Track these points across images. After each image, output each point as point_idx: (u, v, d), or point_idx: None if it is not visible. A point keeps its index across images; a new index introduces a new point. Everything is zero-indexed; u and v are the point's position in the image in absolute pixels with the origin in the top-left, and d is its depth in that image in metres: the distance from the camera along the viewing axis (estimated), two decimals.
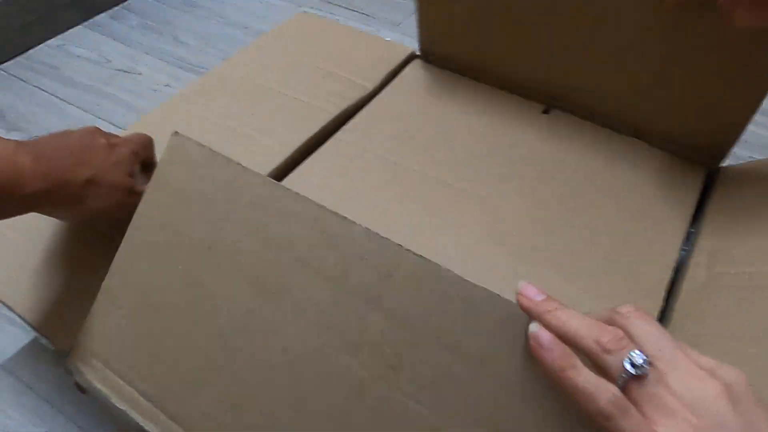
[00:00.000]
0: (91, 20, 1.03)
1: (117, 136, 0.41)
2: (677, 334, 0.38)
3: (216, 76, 0.60)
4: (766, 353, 0.33)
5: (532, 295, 0.27)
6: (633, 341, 0.24)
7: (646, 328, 0.24)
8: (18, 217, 0.35)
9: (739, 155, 0.60)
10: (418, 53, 0.63)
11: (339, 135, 0.54)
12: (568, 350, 0.24)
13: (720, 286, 0.39)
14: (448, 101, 0.57)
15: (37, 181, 0.34)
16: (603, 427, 0.22)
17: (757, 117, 0.46)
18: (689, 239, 0.47)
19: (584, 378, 0.23)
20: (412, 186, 0.49)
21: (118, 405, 0.35)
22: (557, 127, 0.55)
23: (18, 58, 0.94)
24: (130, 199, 0.38)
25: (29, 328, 0.42)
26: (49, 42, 0.98)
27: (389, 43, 0.65)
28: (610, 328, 0.24)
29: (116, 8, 1.06)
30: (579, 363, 0.24)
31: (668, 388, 0.22)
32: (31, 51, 0.96)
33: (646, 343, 0.23)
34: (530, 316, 0.27)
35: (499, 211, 0.47)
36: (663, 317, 0.41)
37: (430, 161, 0.51)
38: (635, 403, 0.22)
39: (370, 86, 0.58)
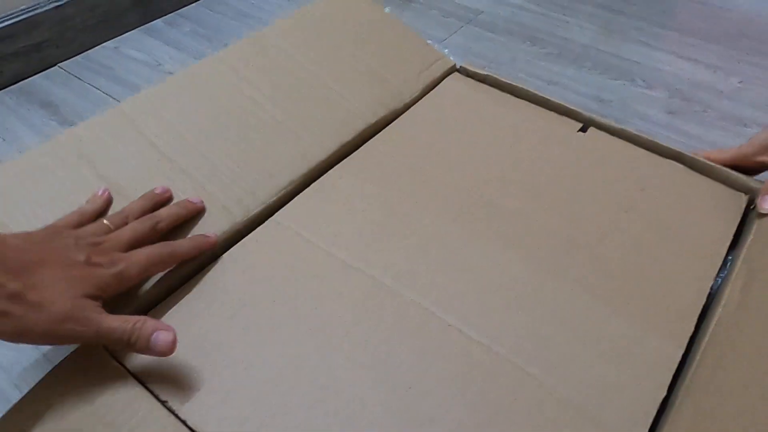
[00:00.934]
0: (147, 25, 1.07)
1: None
2: (705, 359, 0.37)
3: (254, 45, 0.58)
4: None
5: None
6: None
7: None
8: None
9: None
10: (458, 68, 0.64)
11: (373, 142, 0.54)
12: None
13: (752, 314, 0.38)
14: (485, 115, 0.58)
15: None
16: None
17: None
18: (726, 266, 0.45)
19: None
20: (444, 198, 0.49)
21: None
22: (594, 145, 0.54)
23: (77, 58, 0.99)
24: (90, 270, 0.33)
25: None
26: (106, 44, 1.03)
27: (435, 51, 0.65)
28: None
29: (172, 15, 1.10)
30: None
31: None
32: (89, 51, 1.01)
33: None
34: None
35: (529, 227, 0.46)
36: (693, 342, 0.40)
37: (463, 175, 0.51)
38: None
39: (408, 97, 0.59)
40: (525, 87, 0.59)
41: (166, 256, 0.39)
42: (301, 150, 0.50)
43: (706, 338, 0.38)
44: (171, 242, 0.40)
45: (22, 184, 0.43)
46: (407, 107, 0.58)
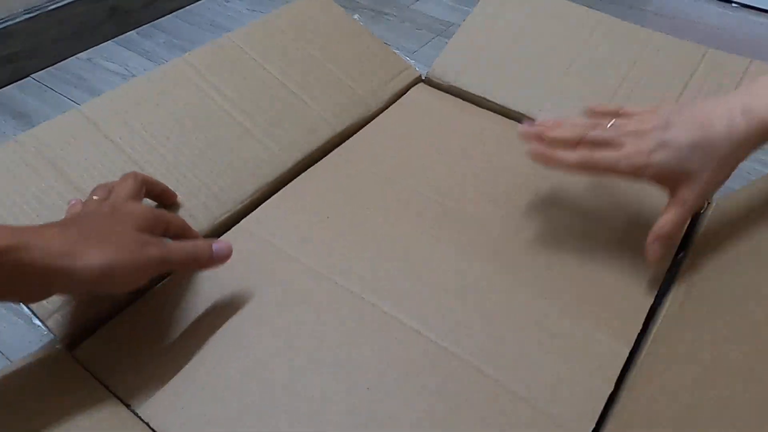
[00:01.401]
0: (121, 36, 1.08)
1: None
2: (648, 356, 0.39)
3: (218, 50, 0.58)
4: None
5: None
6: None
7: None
8: None
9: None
10: (424, 78, 0.66)
11: (339, 151, 0.56)
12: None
13: (691, 316, 0.40)
14: (448, 124, 0.59)
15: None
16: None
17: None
18: (677, 265, 0.47)
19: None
20: (406, 205, 0.50)
21: None
22: None
23: (50, 68, 0.99)
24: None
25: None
26: (79, 55, 1.03)
27: (402, 61, 0.67)
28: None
29: (147, 26, 1.11)
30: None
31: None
32: (63, 62, 1.01)
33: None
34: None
35: (488, 232, 0.48)
36: (641, 339, 0.41)
37: (425, 182, 0.52)
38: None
39: (374, 106, 0.60)
40: (486, 97, 0.61)
41: (197, 252, 0.39)
42: (267, 157, 0.52)
43: (651, 337, 0.40)
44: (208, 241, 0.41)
45: None
46: (373, 116, 0.60)
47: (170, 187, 0.46)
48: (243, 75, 0.56)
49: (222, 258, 0.39)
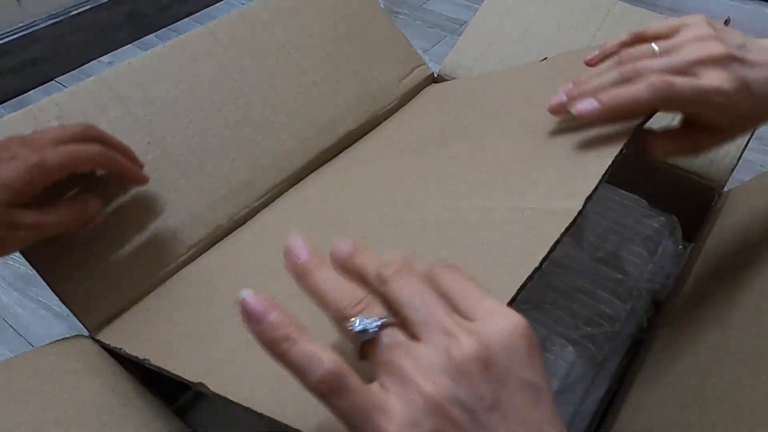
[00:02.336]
0: (140, 40, 1.10)
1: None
2: (658, 341, 0.39)
3: (241, 22, 0.55)
4: None
5: (297, 251, 0.23)
6: (390, 304, 0.21)
7: (401, 284, 0.21)
8: None
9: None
10: (436, 76, 0.67)
11: (353, 152, 0.57)
12: (284, 318, 0.20)
13: (700, 308, 0.40)
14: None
15: None
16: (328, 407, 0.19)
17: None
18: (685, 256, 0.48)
19: (297, 349, 0.19)
20: (412, 211, 0.51)
21: None
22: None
23: (73, 72, 1.02)
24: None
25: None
26: (101, 58, 1.06)
27: (418, 56, 0.67)
28: (355, 291, 0.21)
29: (164, 30, 1.14)
30: (296, 332, 0.20)
31: (408, 352, 0.20)
32: (84, 66, 1.04)
33: (400, 304, 0.21)
34: (295, 278, 0.23)
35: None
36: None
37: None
38: (376, 372, 0.20)
39: (387, 103, 0.61)
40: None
41: (96, 155, 0.38)
42: (284, 151, 0.53)
43: (659, 327, 0.40)
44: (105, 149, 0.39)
45: None
46: (385, 114, 0.61)
47: (187, 176, 0.47)
48: (266, 54, 0.55)
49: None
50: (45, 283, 0.40)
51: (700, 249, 0.48)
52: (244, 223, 0.49)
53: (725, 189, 0.52)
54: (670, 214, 0.52)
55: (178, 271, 0.45)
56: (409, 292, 0.21)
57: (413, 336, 0.20)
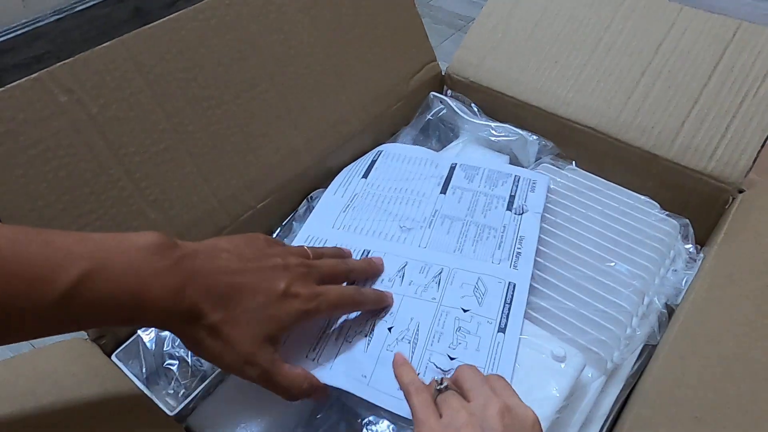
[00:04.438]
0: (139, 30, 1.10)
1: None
2: (674, 343, 0.38)
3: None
4: None
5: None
6: (459, 382, 0.34)
7: (469, 373, 0.35)
8: None
9: None
10: (444, 74, 0.66)
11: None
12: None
13: (715, 308, 0.39)
14: None
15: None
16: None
17: None
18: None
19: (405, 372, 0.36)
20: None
21: None
22: None
23: None
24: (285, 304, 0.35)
25: None
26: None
27: (430, 50, 0.66)
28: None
29: (164, 21, 1.13)
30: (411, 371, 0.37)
31: (460, 400, 0.33)
32: None
33: (464, 380, 0.34)
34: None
35: None
36: None
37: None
38: (437, 404, 0.33)
39: (394, 101, 0.61)
40: (506, 93, 0.61)
41: (353, 302, 0.40)
42: (294, 147, 0.52)
43: (674, 329, 0.39)
44: (361, 289, 0.41)
45: None
46: (390, 113, 0.60)
47: (203, 168, 0.46)
48: (285, 34, 0.52)
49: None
50: None
51: (714, 253, 0.47)
52: (245, 226, 0.48)
53: (740, 191, 0.51)
54: (683, 217, 0.51)
55: None
56: (471, 376, 0.34)
57: (466, 399, 0.33)
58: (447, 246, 0.46)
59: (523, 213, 0.49)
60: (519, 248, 0.46)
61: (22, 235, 0.28)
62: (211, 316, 0.32)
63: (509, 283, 0.43)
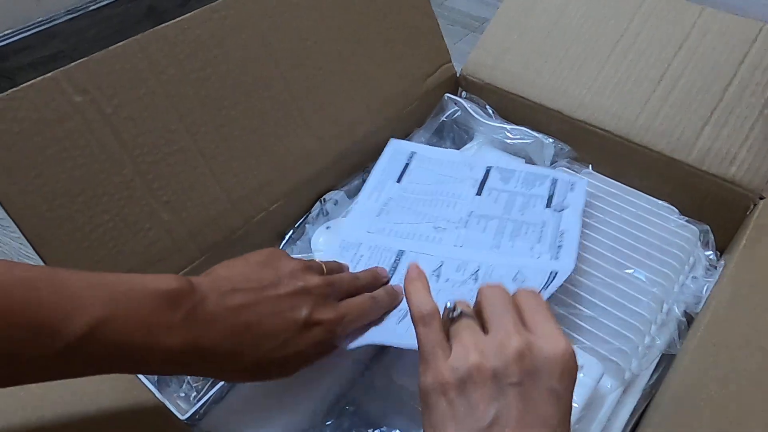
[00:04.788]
0: (154, 30, 1.10)
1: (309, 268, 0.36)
2: (698, 349, 0.37)
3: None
4: None
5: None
6: (479, 304, 0.29)
7: (492, 292, 0.30)
8: None
9: None
10: (458, 75, 0.65)
11: None
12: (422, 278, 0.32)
13: (738, 316, 0.38)
14: None
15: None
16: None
17: None
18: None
19: (416, 292, 0.30)
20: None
21: None
22: None
23: None
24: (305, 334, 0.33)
25: None
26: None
27: (446, 52, 0.66)
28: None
29: (178, 20, 1.13)
30: (423, 285, 0.31)
31: (474, 332, 0.28)
32: None
33: (484, 305, 0.29)
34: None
35: None
36: None
37: None
38: (450, 336, 0.28)
39: (407, 105, 0.60)
40: (522, 95, 0.60)
41: (371, 311, 0.38)
42: (307, 148, 0.51)
43: (696, 338, 0.38)
44: (374, 296, 0.39)
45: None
46: (404, 115, 0.60)
47: (216, 169, 0.45)
48: (299, 35, 0.51)
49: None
50: None
51: (735, 260, 0.46)
52: (258, 227, 0.48)
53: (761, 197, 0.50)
54: (703, 223, 0.50)
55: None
56: (493, 300, 0.29)
57: (484, 329, 0.28)
58: (484, 243, 0.45)
59: (563, 210, 0.48)
60: (560, 242, 0.44)
61: (35, 278, 0.27)
62: (227, 365, 0.31)
63: (551, 272, 0.41)
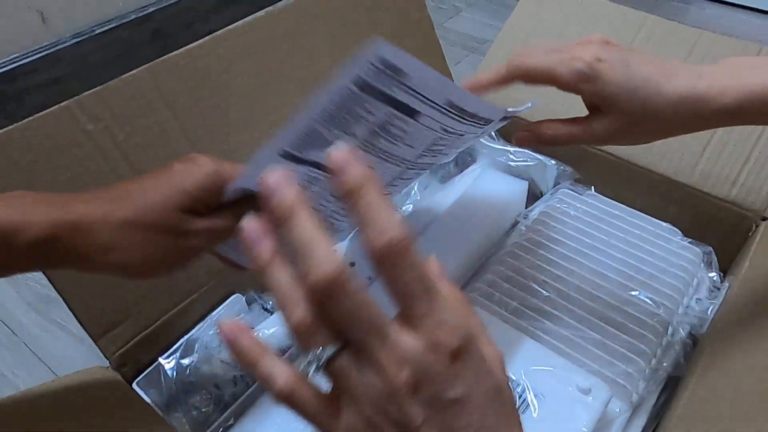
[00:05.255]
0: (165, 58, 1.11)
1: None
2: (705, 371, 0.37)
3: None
4: None
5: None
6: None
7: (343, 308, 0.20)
8: None
9: None
10: None
11: None
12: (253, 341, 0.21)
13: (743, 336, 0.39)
14: None
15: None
16: None
17: None
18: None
19: (264, 364, 0.21)
20: None
21: None
22: None
23: None
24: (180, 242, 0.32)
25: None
26: (123, 77, 1.07)
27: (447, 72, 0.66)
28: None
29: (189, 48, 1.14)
30: (261, 351, 0.21)
31: (350, 379, 0.20)
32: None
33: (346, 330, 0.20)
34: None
35: None
36: None
37: None
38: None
39: None
40: (525, 118, 0.61)
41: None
42: None
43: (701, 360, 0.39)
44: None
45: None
46: None
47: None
48: (308, 60, 0.52)
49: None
50: (65, 305, 0.39)
51: (740, 281, 0.46)
52: None
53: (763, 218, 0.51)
54: (705, 244, 0.50)
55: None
56: (350, 315, 0.19)
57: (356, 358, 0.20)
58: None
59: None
60: None
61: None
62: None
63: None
